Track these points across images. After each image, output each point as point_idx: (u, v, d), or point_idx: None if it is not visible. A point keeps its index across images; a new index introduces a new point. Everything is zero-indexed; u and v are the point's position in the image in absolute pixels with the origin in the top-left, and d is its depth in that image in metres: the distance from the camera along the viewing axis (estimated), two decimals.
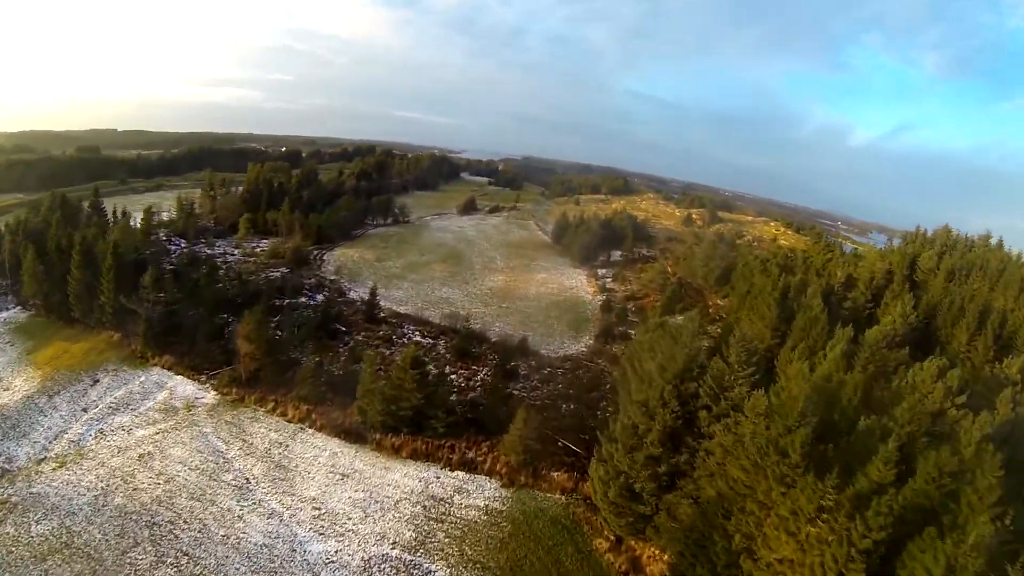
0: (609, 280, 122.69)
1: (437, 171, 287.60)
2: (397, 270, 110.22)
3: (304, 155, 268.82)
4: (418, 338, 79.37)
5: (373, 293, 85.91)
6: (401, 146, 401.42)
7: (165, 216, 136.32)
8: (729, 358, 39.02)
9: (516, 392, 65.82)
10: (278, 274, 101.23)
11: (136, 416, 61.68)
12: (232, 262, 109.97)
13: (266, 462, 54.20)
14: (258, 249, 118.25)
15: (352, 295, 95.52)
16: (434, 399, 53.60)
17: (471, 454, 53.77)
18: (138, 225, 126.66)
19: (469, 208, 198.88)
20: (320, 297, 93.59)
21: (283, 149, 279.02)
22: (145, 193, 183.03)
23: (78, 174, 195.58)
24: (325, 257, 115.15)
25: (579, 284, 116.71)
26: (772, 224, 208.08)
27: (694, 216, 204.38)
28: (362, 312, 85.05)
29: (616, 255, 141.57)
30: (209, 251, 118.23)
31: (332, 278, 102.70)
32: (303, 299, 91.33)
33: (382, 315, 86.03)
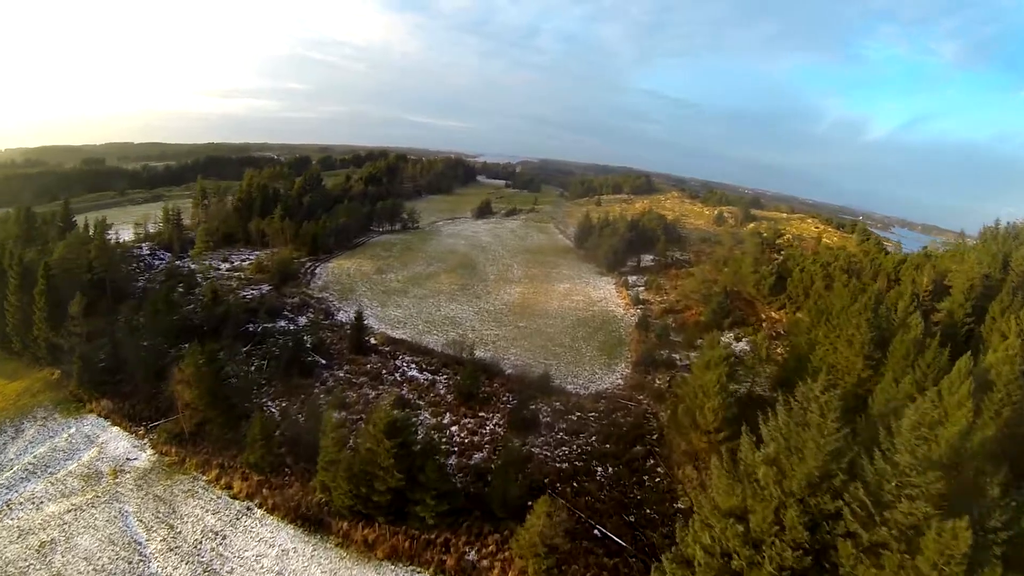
0: (642, 289, 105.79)
1: (452, 175, 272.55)
2: (398, 284, 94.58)
3: (315, 162, 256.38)
4: (414, 372, 63.54)
5: (359, 317, 70.06)
6: (417, 151, 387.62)
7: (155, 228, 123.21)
8: (894, 454, 22.40)
9: (536, 450, 49.48)
10: (256, 293, 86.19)
11: (52, 484, 47.36)
12: (215, 277, 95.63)
13: (192, 563, 38.76)
14: (246, 263, 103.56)
15: (341, 316, 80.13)
16: (421, 478, 37.54)
17: (472, 554, 37.63)
18: (123, 238, 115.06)
19: (484, 211, 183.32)
20: (304, 319, 78.39)
21: (296, 156, 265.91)
22: (143, 204, 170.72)
23: (77, 186, 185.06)
24: (317, 271, 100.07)
25: (608, 295, 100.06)
26: (809, 221, 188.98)
27: (726, 214, 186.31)
28: (349, 339, 69.27)
29: (647, 260, 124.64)
30: (194, 266, 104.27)
31: (320, 296, 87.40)
32: (283, 323, 76.09)
33: (373, 342, 70.40)
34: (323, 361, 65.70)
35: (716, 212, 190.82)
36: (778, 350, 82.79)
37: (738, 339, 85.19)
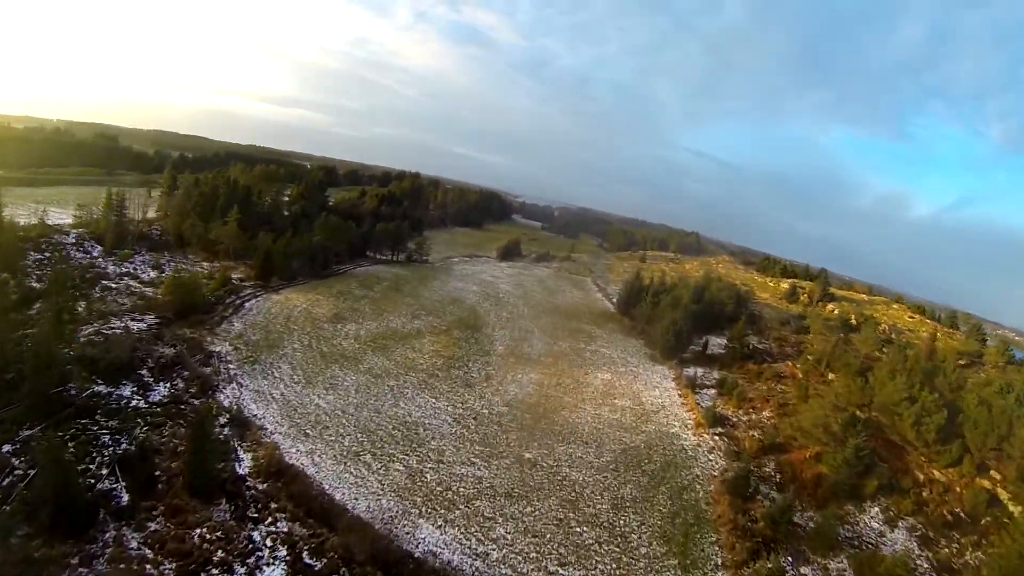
0: (713, 393, 69.86)
1: (486, 208, 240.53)
2: (353, 345, 59.52)
3: (341, 174, 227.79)
4: (282, 568, 28.13)
5: (234, 414, 35.65)
6: (457, 182, 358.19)
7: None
8: None
9: None
10: (141, 326, 52.82)
11: None
12: (111, 291, 64.18)
13: None
14: (162, 277, 70.86)
15: (227, 394, 45.49)
16: None
17: None
18: (59, 222, 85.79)
19: (511, 252, 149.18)
20: (162, 392, 44.14)
21: (323, 166, 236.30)
22: (127, 188, 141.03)
23: (70, 158, 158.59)
24: (249, 304, 65.92)
25: (667, 400, 63.83)
26: (895, 307, 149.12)
27: (801, 290, 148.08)
28: (189, 459, 34.30)
29: (714, 344, 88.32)
30: (112, 268, 74.24)
31: (220, 348, 52.93)
32: (128, 390, 42.15)
33: (243, 471, 35.50)
34: (123, 499, 31.08)
35: (786, 286, 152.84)
36: (964, 554, 47.30)
37: (891, 522, 49.12)
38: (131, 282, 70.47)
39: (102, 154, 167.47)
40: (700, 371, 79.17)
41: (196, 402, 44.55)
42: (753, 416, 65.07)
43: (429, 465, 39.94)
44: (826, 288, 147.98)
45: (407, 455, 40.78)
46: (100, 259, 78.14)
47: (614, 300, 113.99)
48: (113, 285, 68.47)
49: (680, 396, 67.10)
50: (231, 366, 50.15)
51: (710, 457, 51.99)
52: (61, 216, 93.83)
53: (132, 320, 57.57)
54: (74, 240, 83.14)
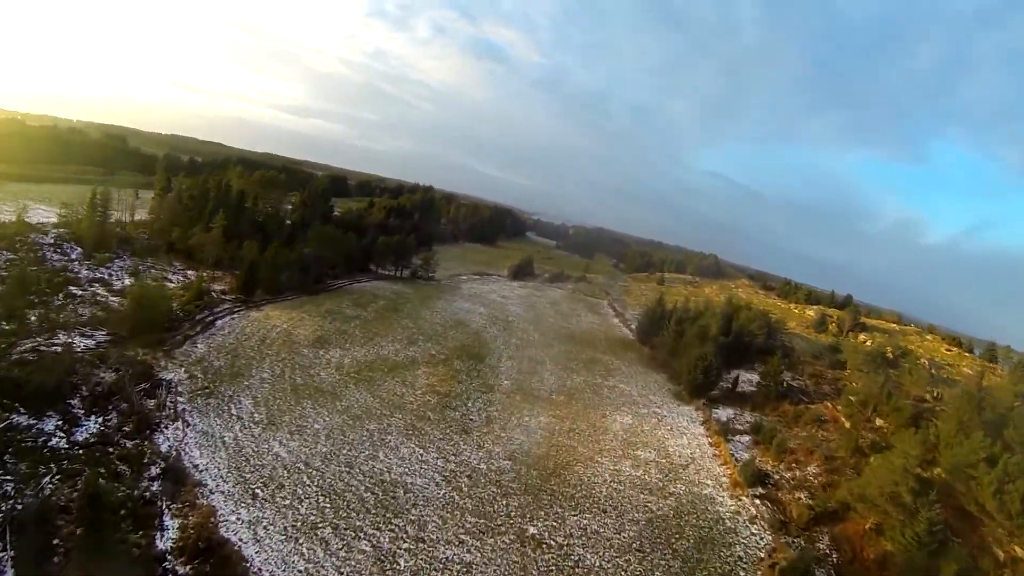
0: (747, 441, 60.77)
1: (500, 224, 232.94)
2: (332, 376, 50.78)
3: (353, 184, 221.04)
4: None
5: (169, 467, 28.48)
6: (471, 198, 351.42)
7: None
8: None
9: None
10: (91, 343, 44.82)
11: None
12: (75, 298, 57.07)
13: None
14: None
15: (168, 436, 37.02)
16: None
17: None
18: (41, 220, 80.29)
19: (524, 271, 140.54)
20: (91, 428, 35.80)
21: (332, 175, 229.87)
22: (118, 188, 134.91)
23: (75, 157, 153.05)
24: (221, 322, 57.66)
25: (697, 451, 54.54)
26: (929, 337, 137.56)
27: (829, 318, 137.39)
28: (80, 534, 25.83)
29: (745, 380, 79.15)
30: (85, 272, 67.79)
31: (173, 376, 44.50)
32: (52, 423, 34.11)
33: (164, 545, 26.84)
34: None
35: (812, 313, 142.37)
36: None
37: None
38: (100, 290, 62.80)
39: (109, 154, 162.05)
40: (731, 413, 69.80)
41: (129, 443, 36.14)
42: (797, 472, 55.57)
43: (405, 545, 30.91)
44: (857, 317, 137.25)
45: (378, 529, 31.79)
46: (76, 263, 71.20)
47: (632, 327, 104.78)
48: (79, 292, 60.90)
49: (711, 445, 57.72)
50: (181, 399, 41.66)
51: (753, 530, 42.49)
52: (47, 215, 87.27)
53: (81, 336, 49.59)
54: (52, 241, 76.62)
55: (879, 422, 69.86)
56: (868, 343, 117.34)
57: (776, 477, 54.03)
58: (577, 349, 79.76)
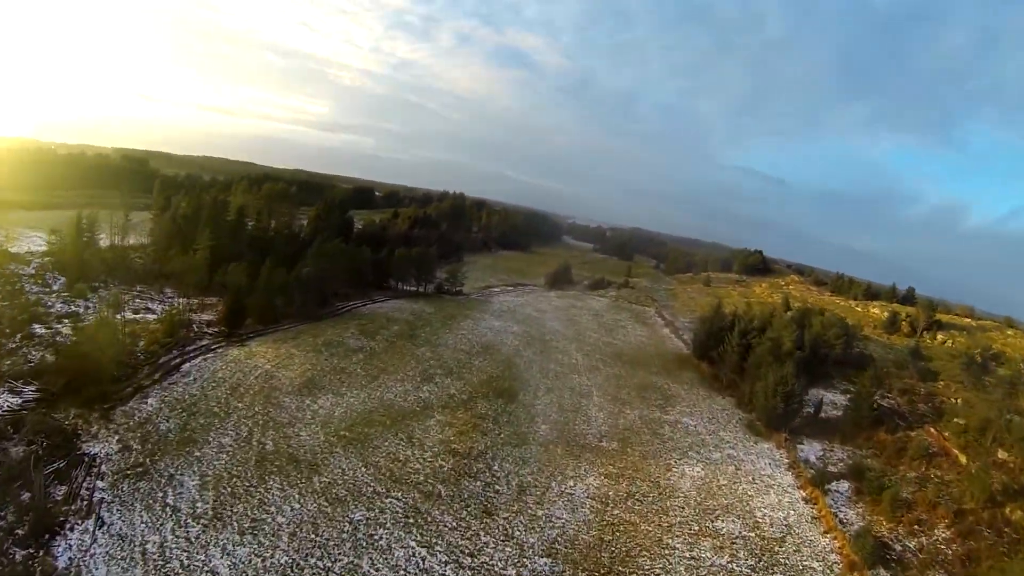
0: (847, 490, 47.12)
1: (534, 230, 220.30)
2: (316, 437, 38.47)
3: (380, 195, 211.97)
4: None
5: None
6: (507, 206, 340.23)
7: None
8: None
9: None
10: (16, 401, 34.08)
11: None
12: (50, 337, 47.30)
13: None
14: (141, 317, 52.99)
15: (70, 544, 25.52)
16: None
17: None
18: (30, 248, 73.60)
19: (561, 279, 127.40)
20: None
21: (357, 187, 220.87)
22: (136, 212, 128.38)
23: (91, 182, 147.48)
24: (189, 364, 46.40)
25: (791, 514, 40.85)
26: (1009, 333, 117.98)
27: (899, 316, 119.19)
28: None
29: (828, 401, 65.07)
30: (60, 307, 59.04)
31: (98, 449, 33.12)
32: None
33: None
34: None
35: (877, 311, 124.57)
36: None
37: None
38: (66, 328, 52.74)
39: (128, 177, 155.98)
40: (818, 449, 55.60)
41: (19, 553, 24.93)
42: (923, 539, 41.51)
43: None
44: (931, 314, 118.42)
45: None
46: (55, 295, 62.18)
47: (685, 337, 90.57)
48: (41, 331, 51.01)
49: (807, 501, 43.72)
50: (102, 483, 30.26)
51: None
52: (41, 243, 79.48)
53: (11, 392, 39.09)
54: (34, 271, 68.15)
55: (1002, 454, 54.62)
56: (949, 344, 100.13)
57: (899, 548, 39.82)
58: (627, 372, 66.28)
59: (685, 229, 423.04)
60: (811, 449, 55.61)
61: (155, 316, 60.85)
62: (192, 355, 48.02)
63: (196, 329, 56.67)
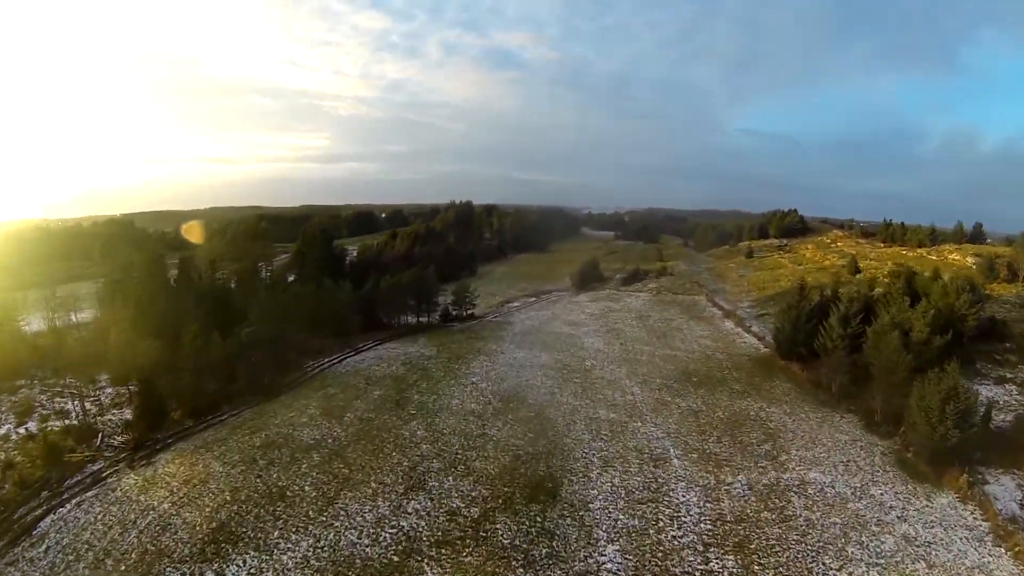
0: None
1: (549, 227, 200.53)
2: None
3: (383, 216, 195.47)
4: None
5: None
6: (521, 208, 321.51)
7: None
8: None
9: None
10: None
11: None
12: None
13: None
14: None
15: None
16: None
17: None
18: None
19: (589, 278, 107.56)
20: None
21: (355, 213, 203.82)
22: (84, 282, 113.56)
23: (75, 253, 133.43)
24: (45, 522, 28.35)
25: None
26: None
27: (996, 260, 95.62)
28: None
29: (991, 399, 44.48)
30: None
31: None
32: None
33: None
34: None
35: (958, 257, 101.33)
36: None
37: None
38: None
39: (109, 242, 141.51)
40: (1012, 487, 35.82)
41: None
42: None
43: None
44: None
45: None
46: None
47: (755, 330, 70.38)
48: None
49: None
50: None
51: None
52: None
53: None
54: None
55: None
56: None
57: None
58: (704, 399, 46.63)
59: (701, 201, 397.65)
60: (1004, 490, 35.61)
61: (69, 421, 43.87)
62: (65, 498, 30.26)
63: (103, 440, 39.21)
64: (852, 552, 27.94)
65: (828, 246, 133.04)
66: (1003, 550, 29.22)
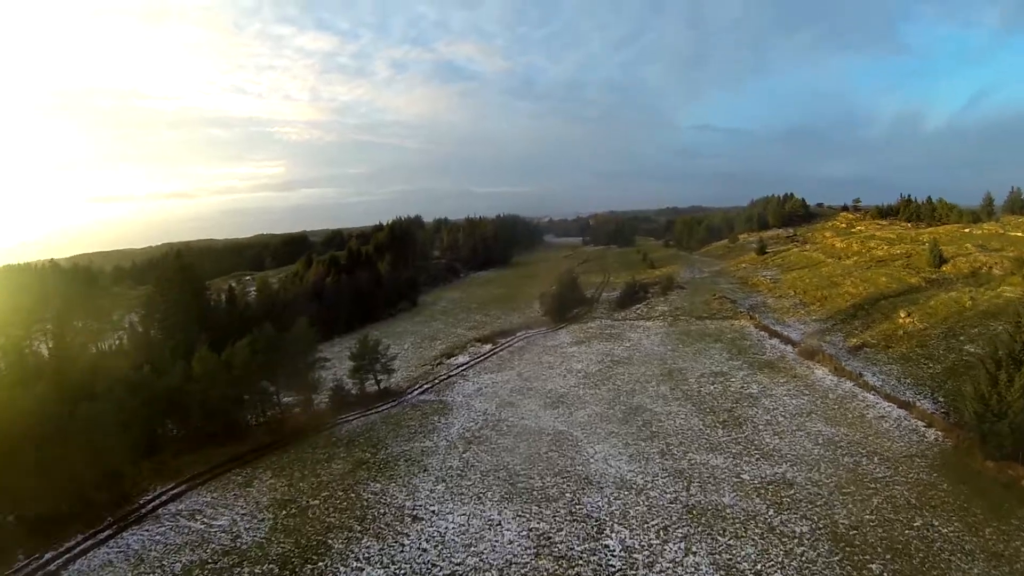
0: None
1: (508, 239, 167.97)
2: None
3: (318, 242, 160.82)
4: None
5: None
6: (473, 220, 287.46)
7: None
8: None
9: None
10: None
11: None
12: None
13: None
14: None
15: None
16: None
17: None
18: None
19: (568, 301, 74.47)
20: None
21: (286, 239, 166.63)
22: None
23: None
24: None
25: None
26: None
27: None
28: None
29: None
30: None
31: None
32: None
33: None
34: None
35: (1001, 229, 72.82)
36: None
37: None
38: None
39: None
40: None
41: None
42: None
43: None
44: None
45: None
46: None
47: (870, 380, 39.24)
48: None
49: None
50: None
51: None
52: None
53: None
54: None
55: None
56: None
57: None
58: None
59: (659, 201, 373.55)
60: None
61: None
62: None
63: None
64: None
65: (849, 232, 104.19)
66: None
